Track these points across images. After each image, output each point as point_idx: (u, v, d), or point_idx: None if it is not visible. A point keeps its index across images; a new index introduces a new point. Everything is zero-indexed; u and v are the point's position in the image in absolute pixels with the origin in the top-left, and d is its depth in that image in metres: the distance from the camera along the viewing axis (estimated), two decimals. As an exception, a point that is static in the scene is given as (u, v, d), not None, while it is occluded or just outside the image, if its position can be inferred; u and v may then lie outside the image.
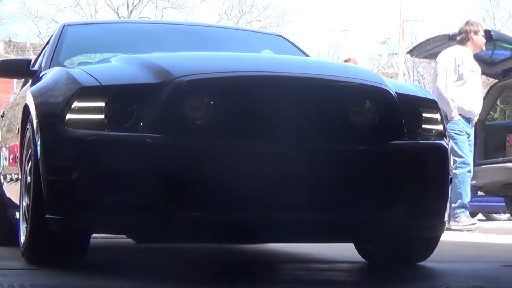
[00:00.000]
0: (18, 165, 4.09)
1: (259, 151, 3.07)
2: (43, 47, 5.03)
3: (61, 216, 3.16)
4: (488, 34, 7.53)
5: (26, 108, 3.62)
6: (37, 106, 3.41)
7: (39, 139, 3.29)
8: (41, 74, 4.00)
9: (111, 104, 3.10)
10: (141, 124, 3.05)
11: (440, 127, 3.51)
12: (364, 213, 3.17)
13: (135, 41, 4.34)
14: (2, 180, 5.05)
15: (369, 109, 3.25)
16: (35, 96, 3.48)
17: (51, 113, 3.28)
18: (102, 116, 3.09)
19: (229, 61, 3.57)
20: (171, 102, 3.06)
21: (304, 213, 3.10)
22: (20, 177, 3.83)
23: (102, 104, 3.10)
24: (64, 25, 4.47)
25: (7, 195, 4.85)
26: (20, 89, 5.13)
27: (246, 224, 3.11)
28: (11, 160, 4.62)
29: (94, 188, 3.06)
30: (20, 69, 4.16)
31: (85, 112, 3.13)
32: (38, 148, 3.29)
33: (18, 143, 4.08)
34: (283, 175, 3.07)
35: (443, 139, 3.48)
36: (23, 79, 5.19)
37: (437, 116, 3.51)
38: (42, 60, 4.24)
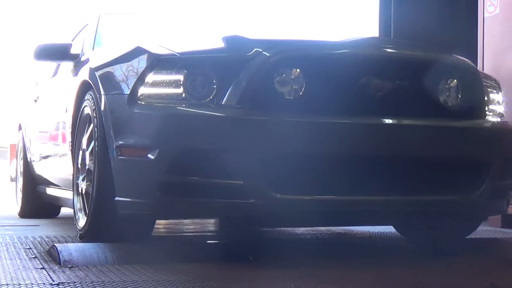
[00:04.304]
0: (61, 144, 4.16)
1: (351, 128, 2.89)
2: (74, 35, 5.21)
3: (137, 199, 2.90)
4: None
5: (84, 85, 3.45)
6: (103, 81, 3.20)
7: (107, 116, 3.05)
8: (82, 58, 4.14)
9: (190, 77, 2.87)
10: (224, 98, 2.83)
11: (501, 107, 3.46)
12: (455, 194, 3.08)
13: (169, 30, 4.42)
14: (33, 159, 5.24)
15: (459, 86, 3.19)
16: (98, 71, 3.29)
17: (121, 87, 3.05)
18: (180, 90, 2.86)
19: (312, 40, 3.56)
20: (259, 75, 2.84)
21: (398, 195, 2.97)
22: (69, 155, 3.80)
23: (181, 77, 2.87)
24: (99, 15, 4.65)
25: (38, 173, 5.07)
26: (53, 77, 5.30)
27: (343, 207, 2.92)
28: (45, 140, 4.75)
29: (176, 168, 2.78)
30: (63, 53, 4.28)
31: (161, 86, 2.89)
32: (105, 125, 3.06)
33: (62, 121, 4.15)
34: (378, 154, 2.92)
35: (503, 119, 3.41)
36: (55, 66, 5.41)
37: (500, 96, 3.47)
38: (83, 45, 4.42)
